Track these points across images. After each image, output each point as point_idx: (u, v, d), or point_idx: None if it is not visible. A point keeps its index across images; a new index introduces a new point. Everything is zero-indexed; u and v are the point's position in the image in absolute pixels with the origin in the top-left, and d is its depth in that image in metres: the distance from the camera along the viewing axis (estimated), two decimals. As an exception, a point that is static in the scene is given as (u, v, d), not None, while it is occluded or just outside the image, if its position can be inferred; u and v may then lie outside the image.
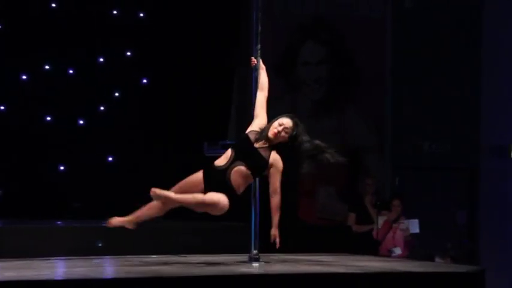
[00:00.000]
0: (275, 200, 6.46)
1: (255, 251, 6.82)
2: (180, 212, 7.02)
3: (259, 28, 7.03)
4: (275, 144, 6.45)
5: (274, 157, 6.43)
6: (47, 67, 10.24)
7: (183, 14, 10.55)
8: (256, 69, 6.82)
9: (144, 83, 10.65)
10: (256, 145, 6.44)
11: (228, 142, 9.45)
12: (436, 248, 10.53)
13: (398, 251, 9.75)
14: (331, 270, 6.30)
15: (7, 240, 7.60)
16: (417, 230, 9.84)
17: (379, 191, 10.67)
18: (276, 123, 6.46)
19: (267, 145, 6.44)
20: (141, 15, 10.68)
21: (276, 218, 6.48)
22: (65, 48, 10.15)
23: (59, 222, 8.82)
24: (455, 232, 11.89)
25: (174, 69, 10.48)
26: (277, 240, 6.46)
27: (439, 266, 7.48)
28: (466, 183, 12.29)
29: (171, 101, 10.45)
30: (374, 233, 9.95)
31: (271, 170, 6.42)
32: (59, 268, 6.37)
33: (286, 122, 6.47)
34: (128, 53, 10.59)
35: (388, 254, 9.71)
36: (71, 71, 10.32)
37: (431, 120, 12.07)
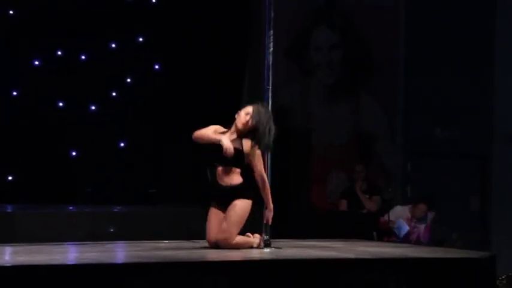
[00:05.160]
0: (262, 182, 6.63)
1: (266, 237, 6.84)
2: (190, 197, 7.07)
3: (272, 14, 7.03)
4: (244, 134, 6.57)
5: (248, 145, 6.54)
6: (59, 53, 10.25)
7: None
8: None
9: (156, 68, 10.66)
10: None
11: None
12: (446, 235, 10.52)
13: (404, 226, 9.69)
14: (342, 256, 6.31)
15: (19, 225, 7.63)
16: (406, 230, 9.80)
17: (369, 178, 10.65)
18: (242, 113, 6.59)
19: (235, 137, 6.58)
20: (153, 0, 10.67)
21: (267, 199, 6.66)
22: (77, 34, 10.14)
23: (70, 207, 8.86)
24: (468, 219, 11.87)
25: (186, 55, 10.47)
26: (270, 219, 6.67)
27: (450, 251, 7.48)
28: (478, 170, 12.25)
29: (183, 86, 10.45)
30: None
31: (250, 158, 6.55)
32: (70, 253, 6.39)
33: (250, 110, 6.58)
34: (140, 39, 10.59)
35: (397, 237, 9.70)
36: (83, 57, 10.33)
37: (444, 106, 12.03)
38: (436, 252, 7.13)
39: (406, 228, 9.68)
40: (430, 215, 9.88)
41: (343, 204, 10.41)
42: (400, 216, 9.85)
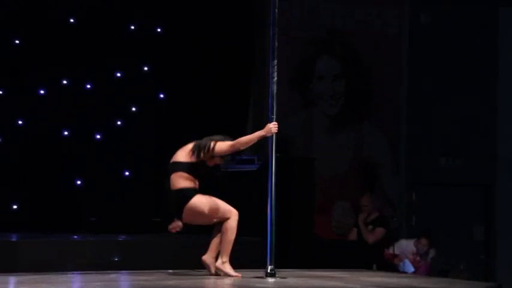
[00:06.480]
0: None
1: (271, 266, 6.82)
2: (196, 226, 7.06)
3: (276, 44, 7.06)
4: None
5: None
6: (64, 82, 10.29)
7: (199, 30, 10.59)
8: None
9: (161, 97, 10.69)
10: None
11: (244, 157, 9.47)
12: (451, 264, 10.48)
13: (410, 267, 9.64)
14: (347, 286, 6.29)
15: (23, 254, 7.61)
16: (411, 270, 9.73)
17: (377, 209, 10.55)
18: None
19: None
20: (158, 30, 10.73)
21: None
22: (83, 63, 10.19)
23: (75, 237, 8.85)
24: (472, 248, 11.84)
25: (190, 84, 10.51)
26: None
27: (455, 283, 7.44)
28: (482, 199, 12.24)
29: (187, 115, 10.47)
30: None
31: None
32: (75, 282, 6.38)
33: None
34: (145, 68, 10.63)
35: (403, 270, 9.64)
36: (88, 86, 10.37)
37: (447, 136, 12.05)
38: (442, 283, 7.10)
39: (411, 269, 9.62)
40: (431, 253, 9.80)
41: (354, 233, 10.35)
42: (405, 250, 9.78)
